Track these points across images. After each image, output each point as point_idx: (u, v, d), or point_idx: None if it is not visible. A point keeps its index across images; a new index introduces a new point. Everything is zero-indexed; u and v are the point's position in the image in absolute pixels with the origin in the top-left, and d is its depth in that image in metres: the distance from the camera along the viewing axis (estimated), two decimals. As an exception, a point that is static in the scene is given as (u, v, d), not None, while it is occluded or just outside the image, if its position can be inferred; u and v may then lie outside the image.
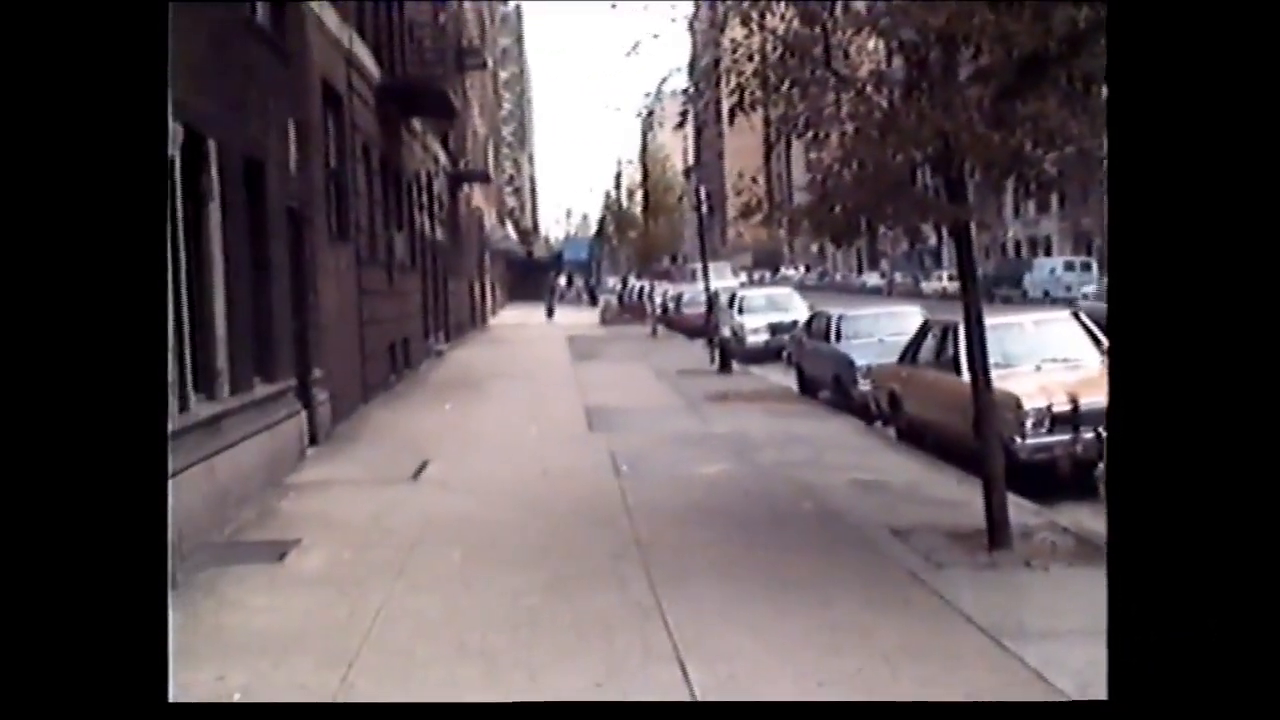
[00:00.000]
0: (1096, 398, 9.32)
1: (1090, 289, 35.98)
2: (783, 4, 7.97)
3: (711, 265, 31.63)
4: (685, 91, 15.49)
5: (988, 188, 8.23)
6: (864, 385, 15.30)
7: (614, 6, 10.98)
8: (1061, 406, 10.07)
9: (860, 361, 15.95)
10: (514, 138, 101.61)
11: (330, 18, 15.81)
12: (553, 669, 5.69)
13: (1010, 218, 66.70)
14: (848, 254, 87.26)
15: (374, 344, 18.27)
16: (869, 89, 7.81)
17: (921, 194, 8.12)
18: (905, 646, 5.91)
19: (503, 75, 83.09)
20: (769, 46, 8.17)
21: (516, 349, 31.35)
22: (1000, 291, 45.84)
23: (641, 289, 51.72)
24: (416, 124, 25.52)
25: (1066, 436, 9.99)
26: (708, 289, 27.40)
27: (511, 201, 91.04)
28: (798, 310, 25.87)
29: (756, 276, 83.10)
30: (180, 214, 8.59)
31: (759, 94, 8.21)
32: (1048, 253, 61.82)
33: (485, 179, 46.76)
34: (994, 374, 8.18)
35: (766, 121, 10.90)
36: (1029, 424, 10.06)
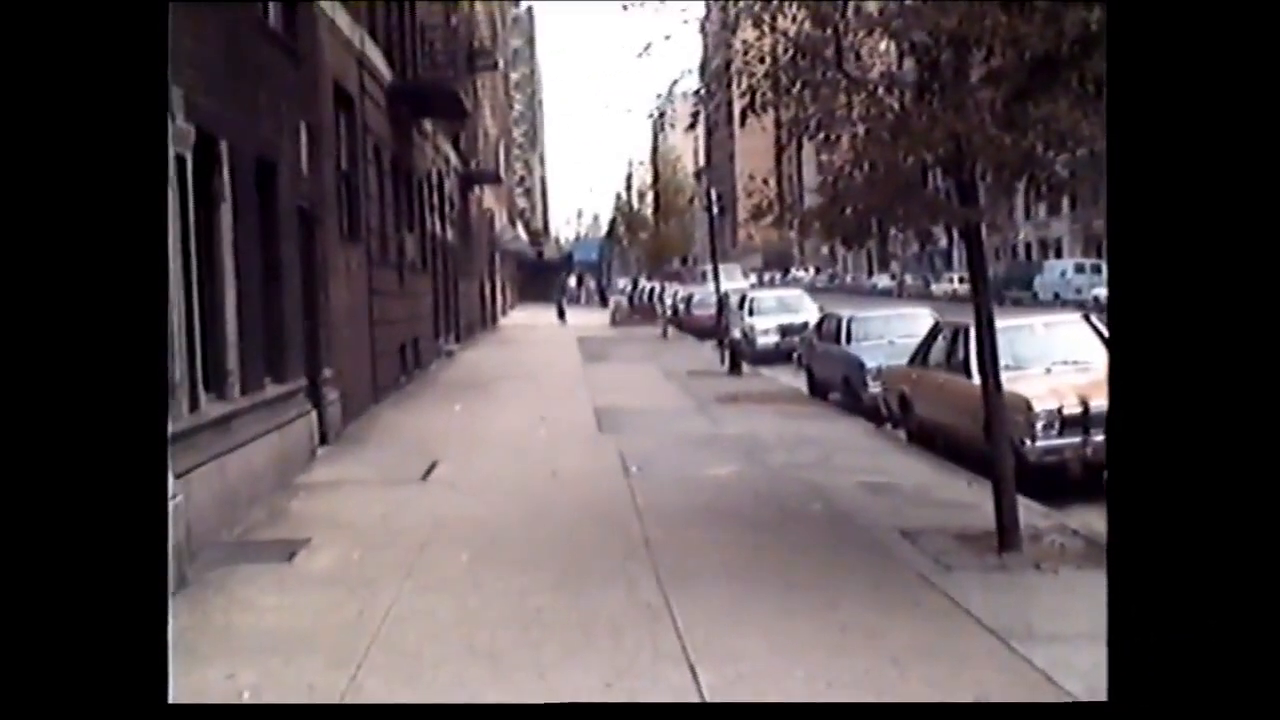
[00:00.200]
0: (1107, 400, 9.27)
1: (1100, 291, 35.93)
2: (794, 5, 7.97)
3: (722, 267, 31.66)
4: (696, 93, 15.54)
5: (999, 190, 8.21)
6: (874, 387, 15.30)
7: (625, 8, 10.98)
8: (1072, 409, 10.05)
9: (870, 363, 15.95)
10: (525, 139, 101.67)
11: (342, 19, 15.85)
12: (561, 669, 5.70)
13: (1021, 220, 66.61)
14: (858, 256, 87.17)
15: (384, 344, 18.30)
16: (880, 90, 7.81)
17: (932, 196, 8.11)
18: (914, 648, 5.91)
19: (514, 76, 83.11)
20: (780, 48, 8.17)
21: (526, 350, 31.36)
22: (1011, 293, 45.76)
23: (652, 290, 51.68)
24: (428, 125, 25.55)
25: (1077, 439, 9.97)
26: (718, 290, 27.40)
27: (522, 202, 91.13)
28: (808, 312, 25.86)
29: (767, 278, 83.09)
30: (192, 215, 8.63)
31: (770, 95, 8.21)
32: (1058, 255, 61.74)
33: (496, 180, 46.82)
34: (1004, 376, 8.17)
35: (778, 123, 10.91)
36: (1039, 426, 10.04)
